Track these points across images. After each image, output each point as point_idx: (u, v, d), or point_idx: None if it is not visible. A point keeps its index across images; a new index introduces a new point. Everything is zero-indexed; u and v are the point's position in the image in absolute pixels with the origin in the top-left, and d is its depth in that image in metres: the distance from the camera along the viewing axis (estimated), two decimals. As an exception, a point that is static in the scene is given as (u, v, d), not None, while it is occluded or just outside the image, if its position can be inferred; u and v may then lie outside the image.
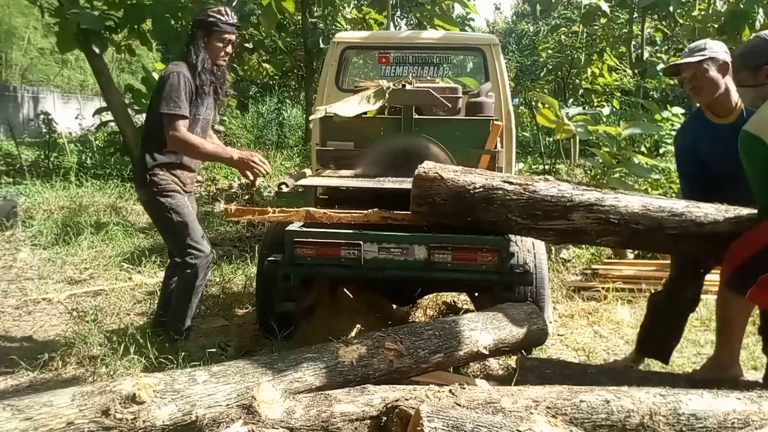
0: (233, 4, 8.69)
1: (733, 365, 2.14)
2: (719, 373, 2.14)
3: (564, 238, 2.38)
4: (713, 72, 2.18)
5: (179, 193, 2.56)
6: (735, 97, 2.21)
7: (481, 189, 2.22)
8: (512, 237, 2.53)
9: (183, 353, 2.42)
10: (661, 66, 9.32)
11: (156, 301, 3.46)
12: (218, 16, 2.51)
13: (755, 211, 2.13)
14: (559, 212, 2.17)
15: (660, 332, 2.56)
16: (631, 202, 2.13)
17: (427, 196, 2.27)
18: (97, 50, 7.33)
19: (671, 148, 4.29)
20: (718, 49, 2.21)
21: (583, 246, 4.37)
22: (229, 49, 2.58)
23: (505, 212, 2.22)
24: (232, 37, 2.58)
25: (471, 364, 2.51)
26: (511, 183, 2.23)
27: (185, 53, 2.53)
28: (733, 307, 2.07)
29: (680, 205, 2.15)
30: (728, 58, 2.18)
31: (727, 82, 2.19)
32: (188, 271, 2.55)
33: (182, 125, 2.43)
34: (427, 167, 2.32)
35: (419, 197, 2.29)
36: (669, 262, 3.44)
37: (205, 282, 2.65)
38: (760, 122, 1.92)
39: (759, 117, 1.95)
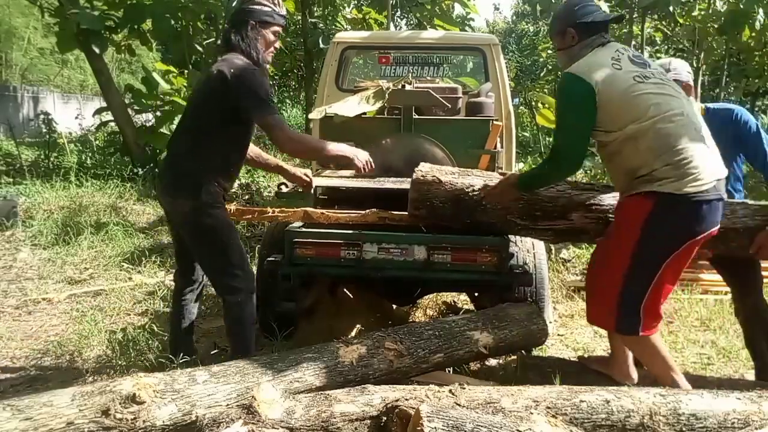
0: (233, 4, 8.70)
1: (675, 384, 1.97)
2: (612, 373, 2.11)
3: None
4: None
5: (224, 206, 2.19)
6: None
7: (480, 191, 2.23)
8: (512, 237, 2.53)
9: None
10: None
11: (157, 302, 3.47)
12: (273, 6, 2.15)
13: (747, 201, 2.17)
14: (558, 212, 2.18)
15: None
16: None
17: (425, 200, 2.27)
18: (97, 50, 7.33)
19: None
20: (681, 70, 2.24)
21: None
22: (278, 44, 2.24)
23: (504, 213, 2.23)
24: (281, 31, 2.25)
25: (471, 363, 2.51)
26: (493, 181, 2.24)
27: (236, 46, 2.12)
28: (640, 346, 2.00)
29: None
30: (690, 80, 2.23)
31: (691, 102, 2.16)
32: (236, 297, 2.13)
33: (287, 127, 2.13)
34: (425, 170, 2.32)
35: (417, 200, 2.29)
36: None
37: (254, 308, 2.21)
38: (583, 67, 1.93)
39: (582, 63, 1.96)
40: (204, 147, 2.10)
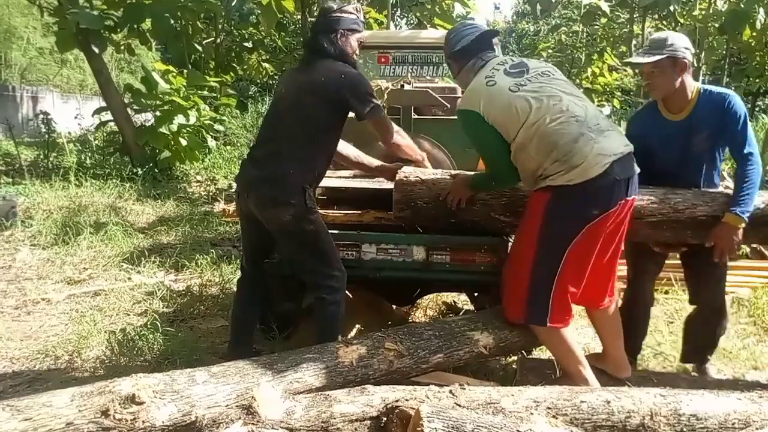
0: (233, 4, 8.70)
1: (583, 379, 2.03)
2: (606, 368, 2.17)
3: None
4: (670, 70, 2.16)
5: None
6: (690, 94, 2.20)
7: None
8: (510, 238, 2.53)
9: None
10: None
11: (156, 302, 3.46)
12: (357, 14, 2.24)
13: (725, 191, 2.20)
14: None
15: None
16: None
17: (409, 201, 2.29)
18: (96, 50, 7.33)
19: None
20: (678, 46, 2.17)
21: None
22: (358, 51, 2.31)
23: (487, 211, 2.27)
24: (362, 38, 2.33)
25: (471, 364, 2.50)
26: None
27: (335, 53, 2.17)
28: (549, 338, 2.06)
29: (659, 193, 2.18)
30: (689, 56, 2.18)
31: (685, 79, 2.18)
32: (334, 297, 2.18)
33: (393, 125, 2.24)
34: (408, 172, 2.35)
35: (401, 202, 2.30)
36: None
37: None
38: (466, 97, 2.06)
39: (465, 94, 2.09)
40: (309, 153, 2.15)
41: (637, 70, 2.38)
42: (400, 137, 2.31)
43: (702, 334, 2.41)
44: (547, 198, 1.92)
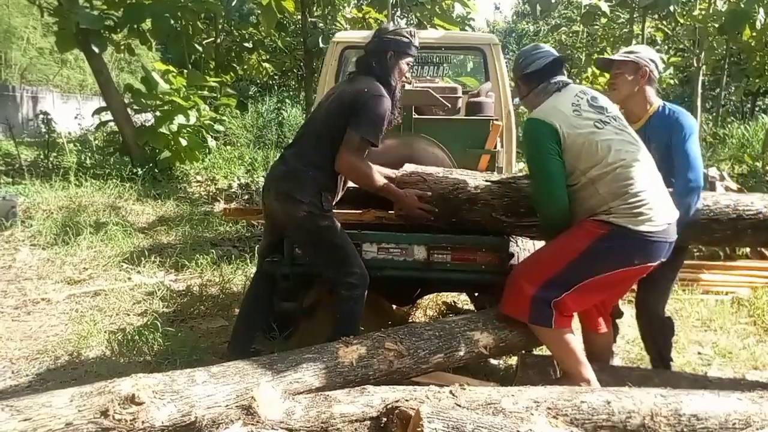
0: (233, 4, 8.70)
1: (585, 379, 2.04)
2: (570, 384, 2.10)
3: (548, 234, 2.38)
4: (631, 75, 2.28)
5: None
6: (648, 106, 2.31)
7: (465, 190, 2.27)
8: (510, 238, 2.53)
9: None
10: (661, 66, 9.32)
11: (156, 302, 3.46)
12: (411, 39, 2.30)
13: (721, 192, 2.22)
14: None
15: None
16: None
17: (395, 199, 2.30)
18: (96, 50, 7.33)
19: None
20: (645, 56, 2.30)
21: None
22: (408, 75, 2.40)
23: (489, 211, 2.27)
24: (412, 62, 2.38)
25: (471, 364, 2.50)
26: (493, 182, 2.29)
27: (379, 72, 2.25)
28: (552, 339, 2.09)
29: None
30: (653, 67, 2.30)
31: (645, 90, 2.30)
32: (352, 293, 2.20)
33: (365, 155, 2.24)
34: (410, 170, 2.35)
35: (397, 200, 2.30)
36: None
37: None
38: (546, 111, 2.05)
39: (543, 107, 2.08)
40: (329, 157, 2.20)
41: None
42: (356, 170, 2.22)
43: (656, 343, 2.46)
44: (603, 231, 1.95)
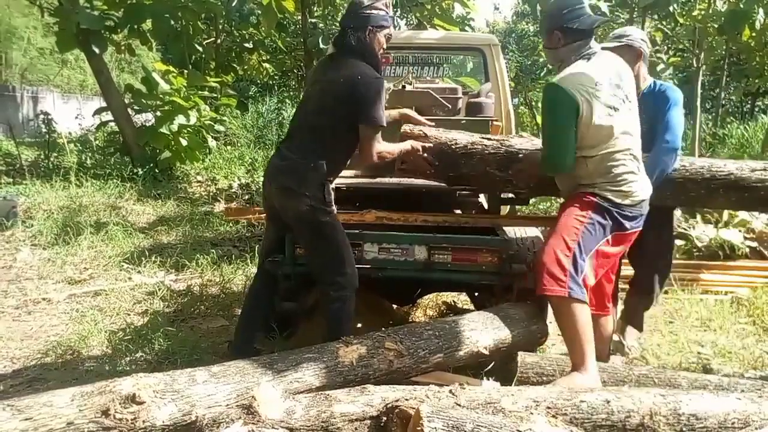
0: (233, 4, 8.70)
1: (591, 375, 2.04)
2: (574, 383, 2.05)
3: (538, 189, 2.53)
4: (628, 57, 2.39)
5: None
6: (641, 85, 2.51)
7: (462, 144, 2.40)
8: (511, 237, 2.53)
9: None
10: (661, 66, 9.31)
11: (157, 302, 3.47)
12: (386, 10, 2.23)
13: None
14: (534, 161, 2.32)
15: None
16: None
17: (409, 154, 2.38)
18: (96, 50, 7.33)
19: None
20: (636, 37, 2.50)
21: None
22: (385, 46, 2.31)
23: (484, 166, 2.39)
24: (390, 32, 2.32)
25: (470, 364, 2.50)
26: (489, 139, 2.44)
27: (363, 51, 2.20)
28: (574, 312, 2.07)
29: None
30: (645, 47, 2.51)
31: (640, 68, 2.51)
32: (339, 294, 2.20)
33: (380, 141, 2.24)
34: (411, 127, 2.46)
35: (405, 154, 2.39)
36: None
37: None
38: (570, 80, 2.06)
39: (570, 77, 2.08)
40: (329, 148, 2.19)
41: None
42: (382, 159, 2.26)
43: (632, 305, 2.75)
44: (593, 201, 2.12)
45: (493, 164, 2.39)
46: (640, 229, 2.20)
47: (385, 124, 2.20)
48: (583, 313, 2.07)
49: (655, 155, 2.36)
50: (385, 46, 2.30)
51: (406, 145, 2.38)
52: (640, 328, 2.84)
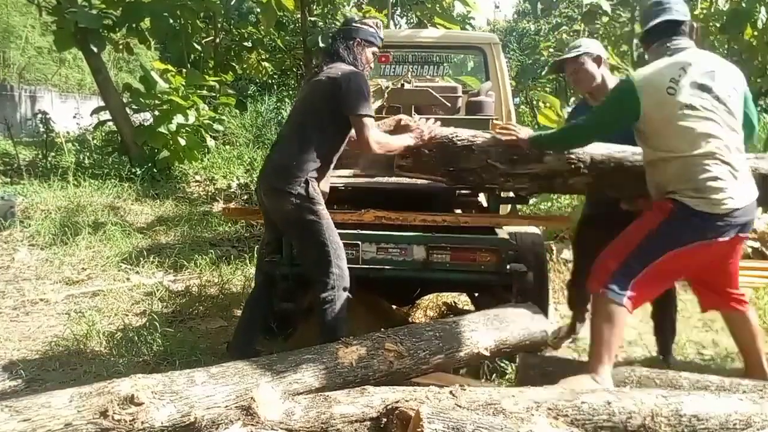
0: (232, 3, 8.68)
1: (601, 362, 2.03)
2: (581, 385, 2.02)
3: (538, 183, 2.48)
4: (589, 65, 2.52)
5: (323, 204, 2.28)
6: (609, 84, 2.52)
7: (462, 137, 2.40)
8: (511, 237, 2.53)
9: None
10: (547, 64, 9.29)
11: (155, 302, 3.45)
12: (375, 29, 2.41)
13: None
14: (534, 156, 2.35)
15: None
16: (596, 147, 2.35)
17: (412, 148, 2.38)
18: (95, 49, 7.31)
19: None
20: (591, 45, 2.57)
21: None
22: (372, 64, 2.47)
23: (485, 158, 2.37)
24: (377, 52, 2.48)
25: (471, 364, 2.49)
26: (490, 133, 2.44)
27: (347, 58, 2.32)
28: (611, 314, 2.06)
29: (637, 149, 2.31)
30: (602, 52, 2.56)
31: (603, 73, 2.54)
32: (328, 294, 2.19)
33: (375, 128, 2.29)
34: (409, 120, 2.47)
35: (405, 149, 2.39)
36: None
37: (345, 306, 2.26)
38: (642, 76, 2.07)
39: (645, 73, 2.08)
40: (313, 146, 2.23)
41: (564, 74, 2.79)
42: (382, 146, 2.29)
43: (664, 324, 2.66)
44: (670, 208, 2.03)
45: (494, 156, 2.37)
46: (729, 239, 2.02)
47: (372, 114, 2.26)
48: (614, 316, 2.03)
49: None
50: (372, 64, 2.43)
51: (407, 138, 2.38)
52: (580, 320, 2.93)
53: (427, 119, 2.52)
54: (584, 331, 3.00)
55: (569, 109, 4.13)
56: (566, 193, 2.47)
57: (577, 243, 2.92)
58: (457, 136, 2.40)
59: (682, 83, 1.99)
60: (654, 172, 2.10)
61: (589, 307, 2.95)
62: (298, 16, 9.42)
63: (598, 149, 2.34)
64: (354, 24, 2.40)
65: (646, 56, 2.25)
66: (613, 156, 2.34)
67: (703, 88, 2.01)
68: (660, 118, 2.01)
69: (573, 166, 2.33)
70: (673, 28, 2.10)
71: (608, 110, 2.16)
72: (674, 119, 1.98)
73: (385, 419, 1.61)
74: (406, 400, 1.62)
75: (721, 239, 2.00)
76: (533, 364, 2.29)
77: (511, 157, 2.35)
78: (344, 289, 2.22)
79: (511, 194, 2.76)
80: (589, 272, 2.58)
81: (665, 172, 2.04)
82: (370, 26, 2.39)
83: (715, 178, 1.96)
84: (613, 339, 2.03)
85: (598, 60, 2.53)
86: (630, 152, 2.33)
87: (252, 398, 1.64)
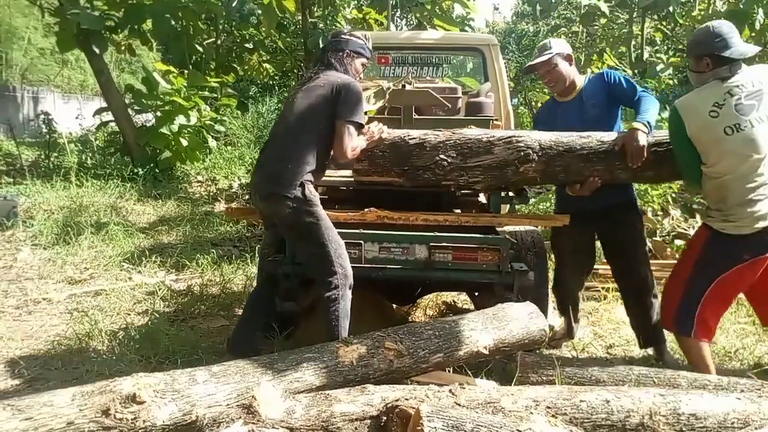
0: (233, 4, 8.70)
1: None
2: None
3: (491, 174, 2.45)
4: (562, 65, 2.60)
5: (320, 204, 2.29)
6: (577, 82, 2.65)
7: (413, 137, 2.44)
8: (511, 236, 2.54)
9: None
10: (660, 66, 9.31)
11: (157, 302, 3.47)
12: (364, 41, 2.48)
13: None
14: (483, 148, 2.39)
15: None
16: (544, 135, 2.42)
17: (366, 150, 2.42)
18: (97, 50, 7.33)
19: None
20: (560, 45, 2.64)
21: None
22: (362, 75, 2.55)
23: (437, 153, 2.40)
24: (367, 64, 2.55)
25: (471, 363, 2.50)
26: (440, 131, 2.48)
27: (338, 68, 2.38)
28: (691, 349, 2.28)
29: (584, 132, 2.42)
30: (570, 50, 2.64)
31: (572, 70, 2.64)
32: (333, 294, 2.20)
33: (357, 136, 2.32)
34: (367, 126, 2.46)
35: (360, 153, 2.41)
36: (668, 261, 3.48)
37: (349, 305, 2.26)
38: (685, 102, 2.19)
39: (689, 98, 2.21)
40: (308, 148, 2.25)
41: (536, 74, 2.90)
42: (352, 158, 2.34)
43: (644, 319, 2.67)
44: (706, 235, 2.21)
45: (447, 148, 2.40)
46: None
47: (361, 121, 2.29)
48: (692, 347, 2.24)
49: (647, 100, 2.41)
50: (361, 75, 2.49)
51: (360, 140, 2.38)
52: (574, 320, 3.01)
53: (379, 121, 2.54)
54: (581, 332, 3.03)
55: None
56: (520, 184, 2.48)
57: (554, 247, 2.97)
58: (409, 135, 2.44)
59: (726, 106, 2.08)
60: (703, 188, 2.22)
61: (580, 308, 3.01)
62: (299, 17, 9.44)
63: (546, 136, 2.40)
64: (343, 36, 2.46)
65: (695, 75, 2.24)
66: (560, 140, 2.39)
67: (748, 109, 2.07)
68: (705, 140, 2.11)
69: (522, 153, 2.36)
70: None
71: (672, 141, 2.27)
72: (714, 141, 2.09)
73: (385, 418, 1.62)
74: (406, 399, 1.63)
75: (762, 257, 2.11)
76: (532, 363, 2.30)
77: (462, 151, 2.39)
78: (349, 288, 2.24)
79: (511, 194, 2.78)
80: (570, 275, 2.81)
81: (705, 188, 2.20)
82: (359, 38, 2.46)
83: (747, 201, 2.06)
84: (706, 366, 2.23)
85: (569, 58, 2.61)
86: (576, 136, 2.39)
87: (253, 397, 1.65)
